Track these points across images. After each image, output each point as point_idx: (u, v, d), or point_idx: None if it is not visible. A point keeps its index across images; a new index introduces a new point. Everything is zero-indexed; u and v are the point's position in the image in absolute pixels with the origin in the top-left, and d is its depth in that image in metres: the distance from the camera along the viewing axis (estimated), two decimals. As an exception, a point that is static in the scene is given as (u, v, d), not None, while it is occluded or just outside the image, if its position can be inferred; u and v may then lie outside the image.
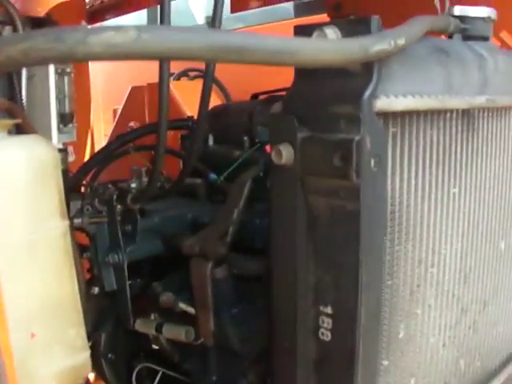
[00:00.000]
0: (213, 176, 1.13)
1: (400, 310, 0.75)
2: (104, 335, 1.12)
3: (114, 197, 0.95)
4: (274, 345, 0.74)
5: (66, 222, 0.72)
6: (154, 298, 0.98)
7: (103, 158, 1.12)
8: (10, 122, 0.66)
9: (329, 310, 0.68)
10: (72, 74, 0.85)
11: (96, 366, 1.16)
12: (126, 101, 2.09)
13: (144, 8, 2.21)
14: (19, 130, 0.71)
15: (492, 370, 1.03)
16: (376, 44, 0.58)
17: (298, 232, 0.68)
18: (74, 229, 0.95)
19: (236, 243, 0.91)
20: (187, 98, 1.85)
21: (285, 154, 0.66)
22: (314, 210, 0.66)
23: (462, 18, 0.85)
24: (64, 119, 0.87)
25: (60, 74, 0.82)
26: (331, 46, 0.58)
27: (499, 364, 1.04)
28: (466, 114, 0.82)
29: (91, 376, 1.80)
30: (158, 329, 0.97)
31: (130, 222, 0.99)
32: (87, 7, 1.90)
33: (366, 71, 0.63)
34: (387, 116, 0.67)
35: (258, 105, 1.13)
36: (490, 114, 0.86)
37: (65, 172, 0.88)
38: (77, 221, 0.98)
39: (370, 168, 0.62)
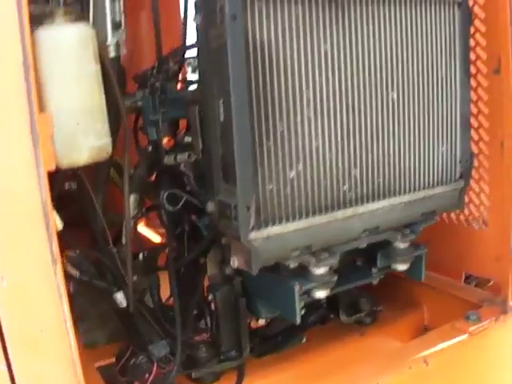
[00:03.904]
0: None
1: (278, 114, 1.52)
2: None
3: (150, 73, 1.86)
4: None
5: (98, 66, 1.63)
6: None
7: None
8: (71, 15, 1.61)
9: (221, 102, 1.49)
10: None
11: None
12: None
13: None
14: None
15: (396, 190, 1.71)
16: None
17: (207, 64, 1.52)
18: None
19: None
20: None
21: (196, 19, 1.51)
22: (213, 46, 1.49)
23: None
24: (115, 25, 1.80)
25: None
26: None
27: (404, 188, 1.72)
28: (334, 1, 1.57)
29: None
30: (175, 158, 1.83)
31: (163, 92, 1.88)
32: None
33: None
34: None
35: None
36: (360, 1, 1.59)
37: (117, 58, 1.83)
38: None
39: (229, 20, 1.43)
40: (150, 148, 1.92)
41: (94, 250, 1.93)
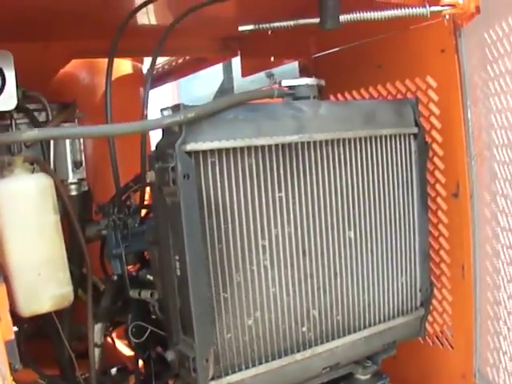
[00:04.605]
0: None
1: (234, 265, 1.58)
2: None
3: (111, 209, 1.93)
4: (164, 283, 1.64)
5: (58, 216, 1.69)
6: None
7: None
8: (30, 167, 1.67)
9: (176, 257, 1.55)
10: (81, 139, 1.86)
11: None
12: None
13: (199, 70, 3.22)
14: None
15: (356, 326, 1.76)
16: (169, 118, 1.48)
17: (162, 217, 1.58)
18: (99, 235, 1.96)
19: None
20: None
21: (150, 175, 1.57)
22: (167, 203, 1.55)
23: (290, 87, 1.69)
24: (76, 164, 1.87)
25: (72, 140, 1.84)
26: (152, 122, 1.50)
27: (364, 323, 1.77)
28: (288, 146, 1.63)
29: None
30: (139, 293, 1.90)
31: (126, 228, 1.96)
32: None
33: (179, 130, 1.51)
34: (205, 152, 1.53)
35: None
36: (314, 145, 1.66)
37: (79, 195, 1.89)
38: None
39: (181, 179, 1.49)
40: (115, 277, 1.98)
41: (62, 379, 1.97)
